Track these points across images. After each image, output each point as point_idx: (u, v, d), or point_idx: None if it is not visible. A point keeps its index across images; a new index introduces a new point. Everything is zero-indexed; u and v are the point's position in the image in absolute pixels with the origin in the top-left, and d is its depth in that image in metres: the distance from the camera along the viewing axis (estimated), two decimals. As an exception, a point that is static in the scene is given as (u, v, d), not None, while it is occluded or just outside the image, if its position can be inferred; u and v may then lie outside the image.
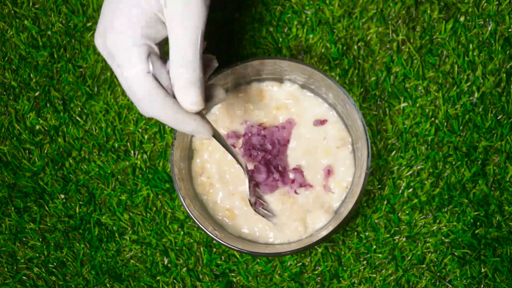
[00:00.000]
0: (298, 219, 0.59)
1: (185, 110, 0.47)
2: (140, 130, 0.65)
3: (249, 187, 0.58)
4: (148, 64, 0.46)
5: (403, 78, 0.65)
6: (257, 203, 0.59)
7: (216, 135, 0.51)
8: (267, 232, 0.60)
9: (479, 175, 0.64)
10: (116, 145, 0.65)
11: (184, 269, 0.64)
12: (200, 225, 0.56)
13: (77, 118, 0.66)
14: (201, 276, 0.64)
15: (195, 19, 0.47)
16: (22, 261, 0.65)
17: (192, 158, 0.61)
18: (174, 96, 0.47)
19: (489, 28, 0.64)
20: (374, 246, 0.64)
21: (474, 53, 0.64)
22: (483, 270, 0.63)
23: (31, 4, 0.67)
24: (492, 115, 0.64)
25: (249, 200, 0.58)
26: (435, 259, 0.63)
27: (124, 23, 0.47)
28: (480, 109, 0.64)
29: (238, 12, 0.66)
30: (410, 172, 0.64)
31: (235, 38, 0.65)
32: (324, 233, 0.56)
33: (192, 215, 0.56)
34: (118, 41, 0.47)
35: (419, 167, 0.64)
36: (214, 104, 0.52)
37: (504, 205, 0.64)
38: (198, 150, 0.61)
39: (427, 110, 0.65)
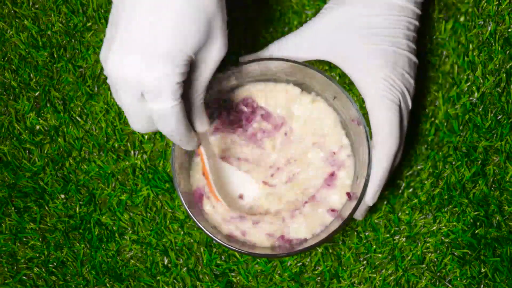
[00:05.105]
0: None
1: (193, 130, 0.51)
2: (140, 130, 0.65)
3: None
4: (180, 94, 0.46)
5: (403, 78, 0.65)
6: None
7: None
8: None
9: (479, 175, 0.64)
10: (116, 145, 0.65)
11: (184, 269, 0.64)
12: (200, 225, 0.55)
13: (77, 118, 0.66)
14: (201, 276, 0.64)
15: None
16: (22, 261, 0.65)
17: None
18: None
19: (489, 28, 0.64)
20: (374, 246, 0.64)
21: (474, 53, 0.64)
22: (483, 270, 0.63)
23: (31, 4, 0.67)
24: (492, 115, 0.64)
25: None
26: (435, 259, 0.64)
27: (161, 42, 0.44)
28: (480, 109, 0.64)
29: (238, 13, 0.66)
30: (410, 172, 0.64)
31: (235, 38, 0.65)
32: (323, 235, 0.56)
33: (191, 214, 0.55)
34: (151, 68, 0.44)
35: (419, 167, 0.64)
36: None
37: (504, 205, 0.64)
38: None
39: (427, 110, 0.65)
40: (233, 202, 0.60)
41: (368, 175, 0.55)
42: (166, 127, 0.47)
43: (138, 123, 0.48)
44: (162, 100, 0.45)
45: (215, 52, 0.47)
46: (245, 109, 0.61)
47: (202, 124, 0.51)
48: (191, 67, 0.46)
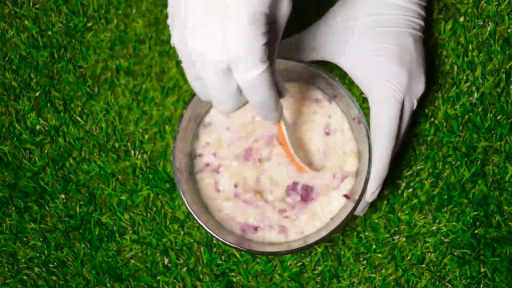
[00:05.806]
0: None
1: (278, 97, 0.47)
2: (140, 130, 0.65)
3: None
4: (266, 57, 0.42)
5: (402, 78, 0.65)
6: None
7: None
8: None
9: (479, 175, 0.64)
10: (117, 145, 0.66)
11: (184, 269, 0.65)
12: (197, 219, 0.55)
13: (78, 118, 0.66)
14: (201, 276, 0.65)
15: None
16: (23, 260, 0.65)
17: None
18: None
19: (489, 29, 0.64)
20: (374, 246, 0.64)
21: (474, 54, 0.64)
22: (482, 270, 0.63)
23: (31, 4, 0.67)
24: (491, 115, 0.64)
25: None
26: (434, 259, 0.64)
27: (238, 5, 0.40)
28: (479, 109, 0.64)
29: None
30: (409, 172, 0.65)
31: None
32: (324, 232, 0.56)
33: (190, 210, 0.55)
34: (235, 35, 0.40)
35: (418, 167, 0.65)
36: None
37: (503, 205, 0.64)
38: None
39: (426, 110, 0.65)
40: (310, 164, 0.60)
41: (368, 173, 0.55)
42: (258, 97, 0.43)
43: (227, 102, 0.44)
44: (252, 66, 0.41)
45: (284, 7, 0.43)
46: None
47: (283, 88, 0.46)
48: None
